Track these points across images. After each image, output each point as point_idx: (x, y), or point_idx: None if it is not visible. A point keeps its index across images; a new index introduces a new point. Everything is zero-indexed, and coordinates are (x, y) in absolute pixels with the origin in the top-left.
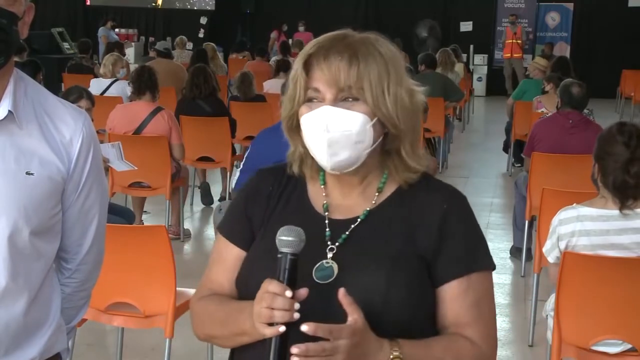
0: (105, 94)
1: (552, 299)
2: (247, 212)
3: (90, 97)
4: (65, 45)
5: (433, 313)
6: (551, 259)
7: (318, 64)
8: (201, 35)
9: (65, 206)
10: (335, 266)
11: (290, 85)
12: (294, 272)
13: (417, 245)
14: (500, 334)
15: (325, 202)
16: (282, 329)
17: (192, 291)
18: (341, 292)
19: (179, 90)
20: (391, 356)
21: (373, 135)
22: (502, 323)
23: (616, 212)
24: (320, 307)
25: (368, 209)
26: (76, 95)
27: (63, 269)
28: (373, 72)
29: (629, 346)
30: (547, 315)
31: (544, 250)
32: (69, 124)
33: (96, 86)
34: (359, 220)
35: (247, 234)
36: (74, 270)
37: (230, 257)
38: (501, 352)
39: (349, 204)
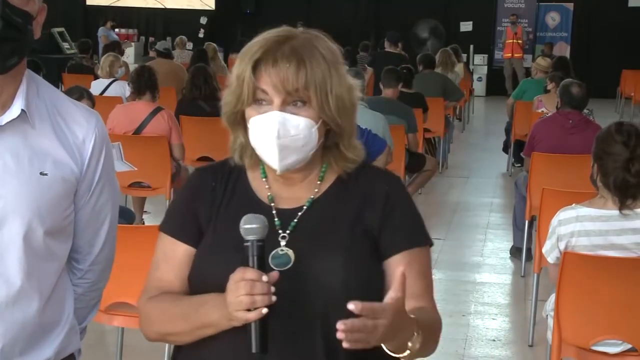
0: (104, 94)
1: (552, 299)
2: (192, 209)
3: (90, 97)
4: (65, 45)
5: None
6: (551, 259)
7: (266, 69)
8: (201, 35)
9: (77, 207)
10: (291, 253)
11: (234, 82)
12: (262, 258)
13: (364, 225)
14: (500, 334)
15: (269, 193)
16: (265, 311)
17: None
18: (399, 271)
19: (179, 90)
20: (415, 334)
21: (317, 137)
22: (502, 323)
23: (616, 212)
24: (284, 292)
25: (312, 197)
26: (77, 95)
27: (75, 269)
28: (318, 76)
29: (629, 346)
30: (547, 315)
31: (543, 250)
32: (82, 125)
33: (96, 87)
34: (304, 208)
35: (194, 231)
36: (85, 271)
37: (177, 254)
38: (501, 352)
39: (293, 194)
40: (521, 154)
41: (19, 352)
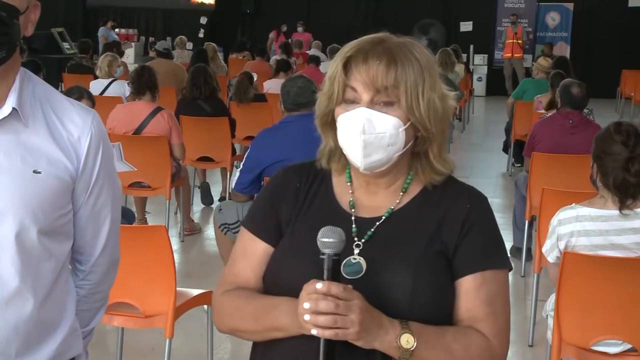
0: (104, 94)
1: (552, 299)
2: (274, 207)
3: (90, 97)
4: (65, 45)
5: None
6: (551, 259)
7: (357, 66)
8: (201, 35)
9: (76, 207)
10: (363, 262)
11: (327, 83)
12: (337, 272)
13: (441, 242)
14: None
15: (351, 199)
16: (314, 332)
17: (192, 291)
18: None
19: (179, 90)
20: (402, 332)
21: (405, 139)
22: None
23: (615, 212)
24: None
25: (392, 207)
26: (77, 95)
27: (77, 270)
28: (409, 77)
29: (629, 346)
30: (547, 315)
31: (543, 250)
32: (77, 123)
33: (96, 87)
34: (383, 218)
35: (274, 230)
36: (87, 272)
37: (256, 252)
38: None
39: (374, 202)
40: (522, 153)
41: (14, 354)
